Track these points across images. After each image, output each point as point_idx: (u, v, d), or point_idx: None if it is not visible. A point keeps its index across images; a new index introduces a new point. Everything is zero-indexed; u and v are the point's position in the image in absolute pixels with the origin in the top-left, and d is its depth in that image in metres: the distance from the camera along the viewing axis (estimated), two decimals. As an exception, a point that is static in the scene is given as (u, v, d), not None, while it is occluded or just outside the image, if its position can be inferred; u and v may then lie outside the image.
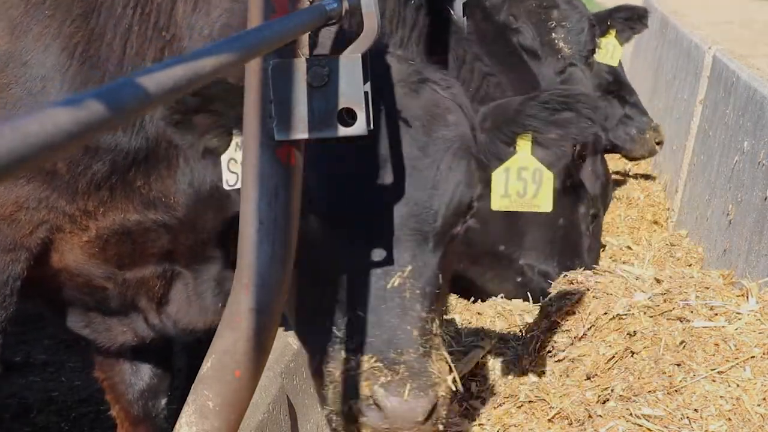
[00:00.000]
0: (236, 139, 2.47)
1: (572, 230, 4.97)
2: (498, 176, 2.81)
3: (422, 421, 2.31)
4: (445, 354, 2.45)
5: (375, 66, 2.20)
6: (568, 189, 4.90)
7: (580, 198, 5.03)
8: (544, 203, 2.82)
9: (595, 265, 4.16)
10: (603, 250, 5.63)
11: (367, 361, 2.33)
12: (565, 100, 2.71)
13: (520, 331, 4.23)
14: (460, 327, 4.23)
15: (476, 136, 2.66)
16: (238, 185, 2.51)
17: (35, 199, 2.81)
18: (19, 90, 2.74)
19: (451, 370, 2.44)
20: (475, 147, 2.60)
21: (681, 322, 3.39)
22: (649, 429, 3.05)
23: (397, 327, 2.35)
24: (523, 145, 2.74)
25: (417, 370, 2.32)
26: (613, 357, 3.39)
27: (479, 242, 4.84)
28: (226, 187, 2.54)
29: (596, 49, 5.22)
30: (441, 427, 2.41)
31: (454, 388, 2.43)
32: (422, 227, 2.42)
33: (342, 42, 2.03)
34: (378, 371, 2.32)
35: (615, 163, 7.59)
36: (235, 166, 2.50)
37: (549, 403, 3.41)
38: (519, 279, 4.87)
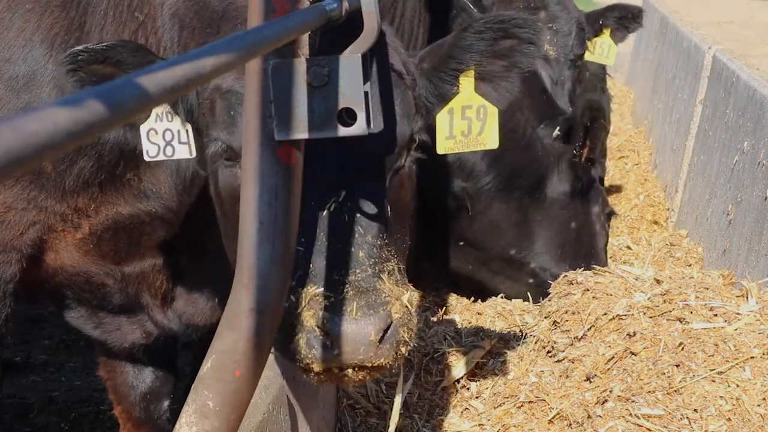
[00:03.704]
0: (156, 110, 2.38)
1: (586, 231, 4.95)
2: (442, 118, 2.63)
3: (377, 343, 2.07)
4: (404, 281, 2.22)
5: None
6: (580, 190, 4.89)
7: (593, 198, 5.01)
8: (490, 140, 2.67)
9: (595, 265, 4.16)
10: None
11: (310, 291, 2.11)
12: (501, 27, 2.52)
13: (520, 331, 4.23)
14: (460, 327, 4.23)
15: (411, 71, 2.49)
16: (160, 157, 2.47)
17: (23, 200, 2.80)
18: (2, 88, 2.73)
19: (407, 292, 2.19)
20: (409, 79, 2.44)
21: (680, 322, 3.39)
22: (648, 429, 3.05)
23: (340, 251, 2.15)
24: (466, 82, 2.58)
25: (364, 289, 2.09)
26: (613, 357, 3.39)
27: (491, 246, 4.85)
28: (146, 158, 2.48)
29: (584, 54, 5.19)
30: (403, 351, 2.14)
31: (410, 308, 2.17)
32: (356, 159, 2.27)
33: (341, 42, 2.02)
34: (321, 297, 2.09)
35: (615, 163, 7.59)
36: (155, 137, 2.45)
37: (549, 404, 3.41)
38: (532, 281, 4.87)
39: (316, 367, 2.13)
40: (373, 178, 2.29)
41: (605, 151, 5.65)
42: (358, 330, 2.07)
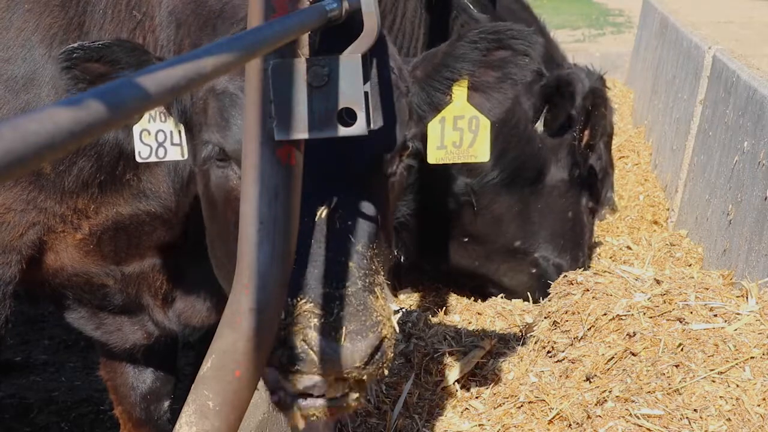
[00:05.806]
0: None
1: (579, 221, 5.03)
2: (433, 127, 2.61)
3: (362, 366, 2.05)
4: (389, 296, 2.18)
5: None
6: (576, 179, 4.93)
7: (587, 189, 5.06)
8: (481, 152, 2.65)
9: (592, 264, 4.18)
10: (602, 250, 5.65)
11: (299, 304, 2.06)
12: (496, 37, 2.50)
13: (520, 331, 4.23)
14: (460, 327, 4.23)
15: (405, 77, 2.46)
16: (152, 158, 2.46)
17: (23, 201, 2.80)
18: (1, 88, 2.73)
19: (395, 311, 2.16)
20: (404, 86, 2.41)
21: (680, 322, 3.39)
22: (648, 429, 3.05)
23: (331, 260, 2.10)
24: (459, 92, 2.55)
25: (355, 309, 2.06)
26: (613, 358, 3.39)
27: (495, 239, 4.89)
28: (138, 159, 2.46)
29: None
30: (386, 370, 2.13)
31: (397, 328, 2.15)
32: (348, 164, 2.23)
33: (341, 42, 2.02)
34: (310, 312, 2.05)
35: (615, 163, 7.59)
36: (148, 138, 2.44)
37: (549, 404, 3.41)
38: (534, 271, 4.91)
39: (297, 384, 2.08)
40: (366, 184, 2.26)
41: (612, 163, 5.62)
42: (347, 355, 2.03)
